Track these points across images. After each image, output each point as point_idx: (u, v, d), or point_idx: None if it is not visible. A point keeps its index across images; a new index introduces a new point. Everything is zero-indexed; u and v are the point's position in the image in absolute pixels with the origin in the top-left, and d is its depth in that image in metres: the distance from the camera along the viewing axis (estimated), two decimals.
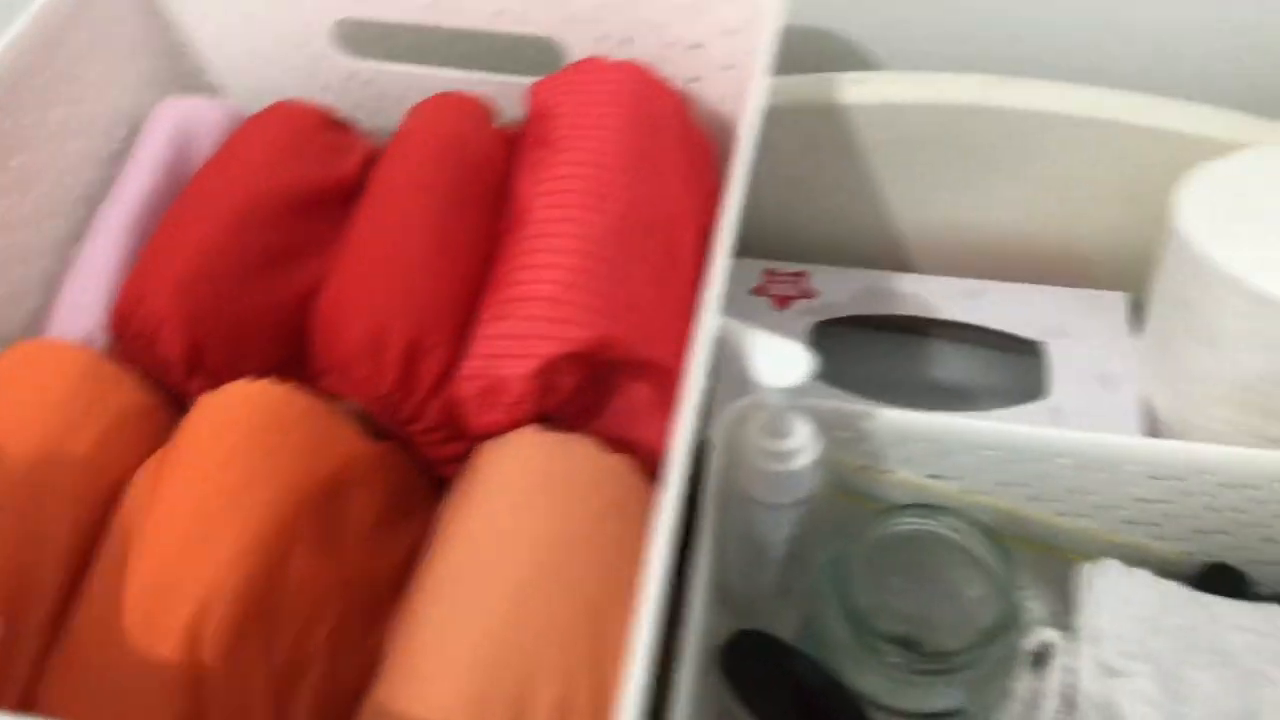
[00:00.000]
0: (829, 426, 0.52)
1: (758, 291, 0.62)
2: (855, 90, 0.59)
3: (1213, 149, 0.54)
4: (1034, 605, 0.50)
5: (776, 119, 0.60)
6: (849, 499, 0.54)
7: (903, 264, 0.65)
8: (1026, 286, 0.62)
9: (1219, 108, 0.57)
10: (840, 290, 0.62)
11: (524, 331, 0.45)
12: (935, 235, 0.64)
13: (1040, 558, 0.54)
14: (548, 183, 0.50)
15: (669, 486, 0.38)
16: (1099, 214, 0.60)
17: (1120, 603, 0.46)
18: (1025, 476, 0.51)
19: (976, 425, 0.51)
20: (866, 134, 0.60)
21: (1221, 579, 0.53)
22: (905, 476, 0.53)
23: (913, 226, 0.64)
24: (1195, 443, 0.49)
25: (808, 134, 0.60)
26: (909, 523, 0.48)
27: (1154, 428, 0.56)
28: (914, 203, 0.63)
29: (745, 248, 0.64)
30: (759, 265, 0.64)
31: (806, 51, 0.64)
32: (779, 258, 0.64)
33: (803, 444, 0.45)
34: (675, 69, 0.56)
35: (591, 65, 0.54)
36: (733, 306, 0.62)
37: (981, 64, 0.61)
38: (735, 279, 0.63)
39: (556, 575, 0.39)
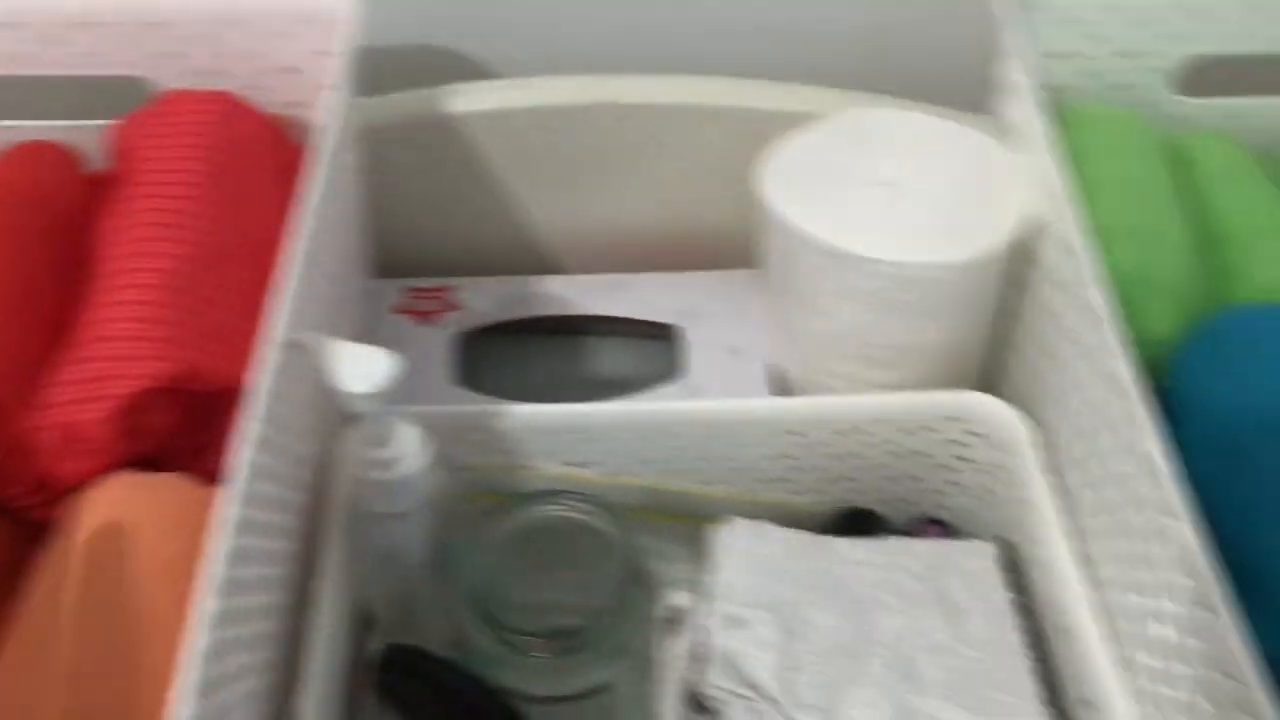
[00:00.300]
0: (461, 430, 0.52)
1: (399, 310, 0.62)
2: (465, 100, 0.60)
3: (806, 122, 0.58)
4: (679, 574, 0.51)
5: (391, 136, 0.61)
6: (496, 499, 0.54)
7: (549, 266, 0.66)
8: (665, 275, 0.64)
9: (812, 85, 0.61)
10: (484, 300, 0.62)
11: (100, 373, 0.43)
12: (575, 235, 0.65)
13: (689, 528, 0.55)
14: (126, 219, 0.48)
15: (227, 504, 0.37)
16: (720, 196, 0.63)
17: (745, 557, 0.48)
18: (661, 452, 0.53)
19: (604, 409, 0.52)
20: (485, 143, 0.61)
21: (858, 522, 0.56)
22: (547, 469, 0.53)
23: (551, 229, 0.65)
24: (805, 397, 0.51)
25: (425, 149, 0.61)
26: (532, 511, 0.48)
27: (786, 391, 0.59)
28: (548, 205, 0.64)
29: (386, 268, 0.64)
30: (400, 284, 0.63)
31: (420, 67, 0.64)
32: (423, 274, 0.64)
33: (406, 450, 0.44)
34: (273, 94, 0.56)
35: (175, 98, 0.53)
36: (374, 327, 0.62)
37: (590, 64, 0.62)
38: (375, 299, 0.62)
39: (121, 649, 0.37)
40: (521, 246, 0.65)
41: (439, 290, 0.63)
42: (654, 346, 0.62)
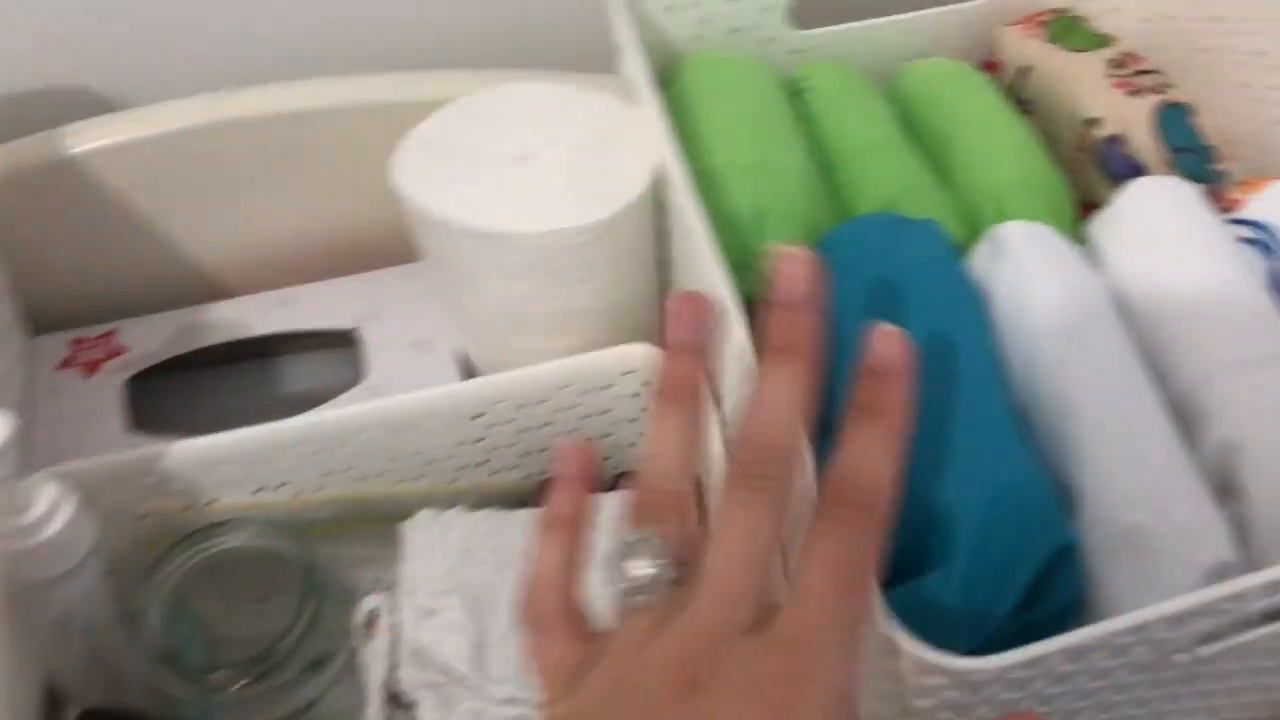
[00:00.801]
0: (130, 476, 0.50)
1: (64, 365, 0.59)
2: (85, 138, 0.57)
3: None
4: (387, 578, 0.51)
5: (17, 187, 0.57)
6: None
7: (217, 293, 0.64)
8: (340, 280, 0.63)
9: (451, 69, 0.61)
10: (152, 338, 0.60)
11: None
12: (236, 256, 0.63)
13: (395, 531, 0.55)
14: None
15: None
16: (375, 194, 0.62)
17: (430, 547, 0.48)
18: (347, 460, 0.52)
19: (273, 429, 0.51)
20: (117, 178, 0.58)
21: None
22: (232, 501, 0.52)
23: (209, 254, 0.63)
24: (475, 379, 0.52)
25: (56, 194, 0.58)
26: (201, 548, 0.47)
27: (475, 375, 0.59)
28: (201, 230, 0.62)
29: (50, 322, 0.61)
30: (65, 336, 0.60)
31: (35, 111, 0.61)
32: (89, 321, 0.61)
33: (48, 510, 0.42)
34: None
35: None
36: (39, 390, 0.58)
37: (214, 81, 0.61)
38: (37, 359, 0.59)
39: None
40: (183, 277, 0.63)
41: (104, 337, 0.60)
42: (337, 355, 0.62)
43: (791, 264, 0.36)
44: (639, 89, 0.53)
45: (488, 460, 0.55)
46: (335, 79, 0.59)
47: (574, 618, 0.34)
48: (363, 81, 0.59)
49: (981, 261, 0.48)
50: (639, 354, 0.53)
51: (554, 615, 0.34)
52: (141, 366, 0.59)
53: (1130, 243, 0.47)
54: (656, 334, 0.58)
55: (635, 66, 0.53)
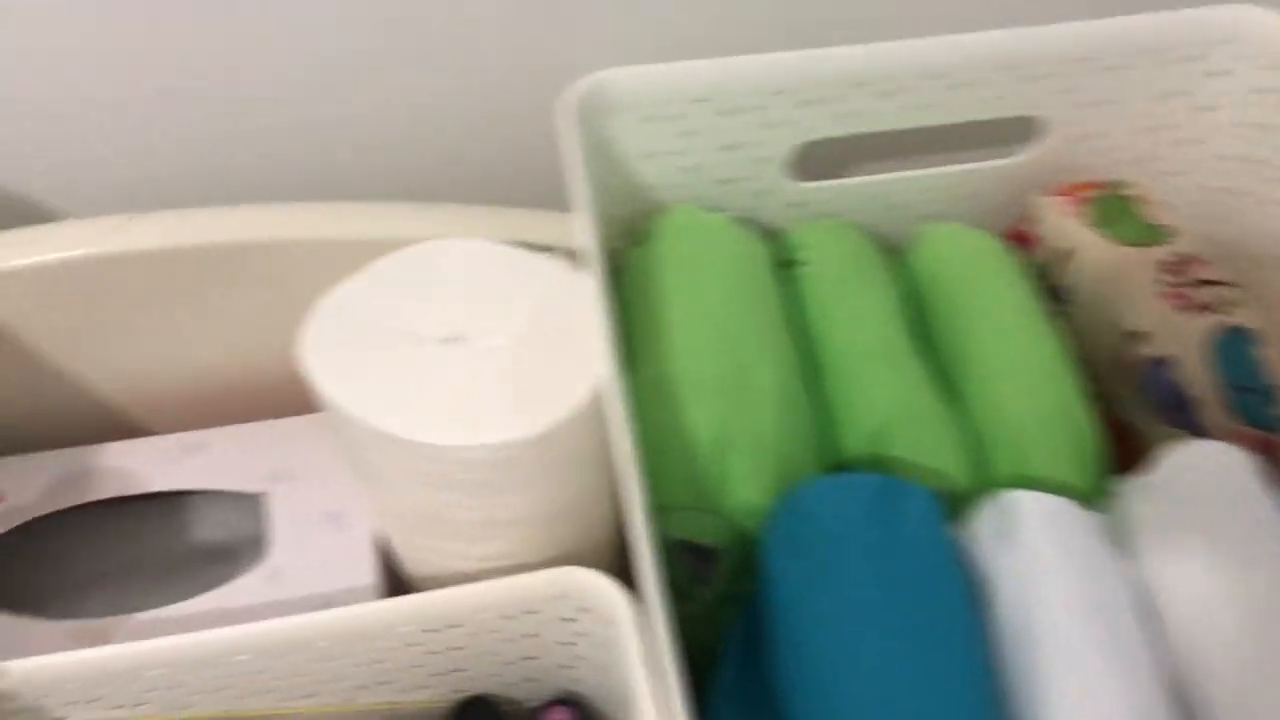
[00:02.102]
0: None
1: None
2: None
3: (385, 245, 0.50)
4: None
5: None
6: None
7: (117, 430, 0.56)
8: (252, 427, 0.55)
9: (390, 202, 0.53)
10: (31, 485, 0.52)
11: None
12: (141, 394, 0.56)
13: None
14: None
15: None
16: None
17: None
18: (220, 680, 0.44)
19: (132, 649, 0.43)
20: (7, 303, 0.51)
21: (475, 713, 0.49)
22: (95, 716, 0.44)
23: (110, 391, 0.55)
24: (374, 603, 0.44)
25: None
26: None
27: (395, 561, 0.51)
28: (99, 365, 0.54)
29: None
30: None
31: None
32: None
33: None
34: None
35: None
36: None
37: (127, 199, 0.53)
38: None
39: None
40: (74, 414, 0.55)
41: None
42: (233, 519, 0.54)
43: None
44: (589, 276, 0.45)
45: (393, 679, 0.47)
46: (259, 208, 0.51)
47: None
48: (288, 213, 0.51)
49: (986, 535, 0.39)
50: (573, 580, 0.45)
51: None
52: (14, 523, 0.51)
53: (1167, 533, 0.38)
54: (602, 535, 0.51)
55: (587, 247, 0.44)
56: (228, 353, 0.54)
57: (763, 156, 0.51)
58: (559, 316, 0.45)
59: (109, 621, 0.48)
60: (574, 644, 0.47)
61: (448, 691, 0.48)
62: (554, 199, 0.52)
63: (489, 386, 0.43)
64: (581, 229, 0.44)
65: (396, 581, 0.52)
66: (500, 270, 0.47)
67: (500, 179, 0.55)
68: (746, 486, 0.41)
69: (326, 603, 0.49)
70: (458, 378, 0.43)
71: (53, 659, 0.42)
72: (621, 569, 0.52)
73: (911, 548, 0.37)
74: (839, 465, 0.44)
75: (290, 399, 0.55)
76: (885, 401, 0.44)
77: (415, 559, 0.49)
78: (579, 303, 0.46)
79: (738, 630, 0.42)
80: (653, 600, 0.35)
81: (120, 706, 0.44)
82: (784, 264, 0.50)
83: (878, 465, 0.43)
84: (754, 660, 0.41)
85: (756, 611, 0.42)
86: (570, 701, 0.49)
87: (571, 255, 0.48)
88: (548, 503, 0.46)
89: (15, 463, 0.53)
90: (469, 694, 0.49)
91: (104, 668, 0.43)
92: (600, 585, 0.44)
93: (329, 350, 0.44)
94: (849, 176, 0.53)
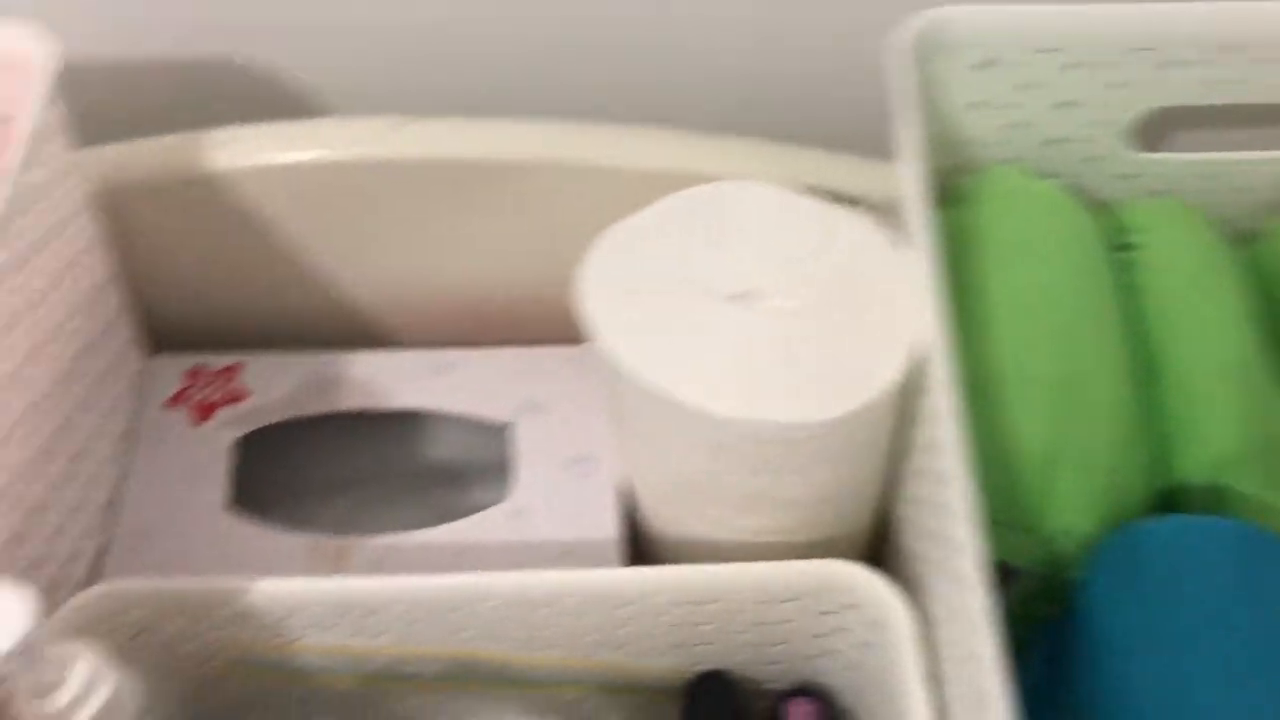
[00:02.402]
0: (209, 608, 0.41)
1: (175, 401, 0.51)
2: (235, 149, 0.47)
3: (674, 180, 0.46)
4: None
5: (146, 191, 0.48)
6: (268, 675, 0.44)
7: (364, 338, 0.54)
8: (508, 353, 0.52)
9: (685, 132, 0.48)
10: (277, 385, 0.51)
11: None
12: (394, 304, 0.53)
13: (510, 696, 0.46)
14: None
15: None
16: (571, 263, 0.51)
17: None
18: (461, 622, 0.42)
19: (379, 584, 0.41)
20: (269, 199, 0.49)
21: (709, 688, 0.46)
22: (325, 642, 0.43)
23: (364, 298, 0.53)
24: (634, 569, 0.41)
25: (191, 206, 0.48)
26: None
27: (637, 516, 0.48)
28: (358, 270, 0.52)
29: (163, 341, 0.53)
30: (183, 363, 0.52)
31: (190, 99, 0.51)
32: (209, 348, 0.52)
33: (83, 688, 0.34)
34: None
35: None
36: (143, 428, 0.51)
37: (402, 100, 0.50)
38: (151, 386, 0.51)
39: None
40: (324, 317, 0.53)
41: (225, 372, 0.51)
42: (479, 444, 0.51)
43: None
44: (913, 232, 0.39)
45: (628, 645, 0.44)
46: (538, 124, 0.47)
47: None
48: (568, 133, 0.47)
49: None
50: (844, 575, 0.41)
51: None
52: (258, 424, 0.50)
53: None
54: (862, 522, 0.47)
55: (913, 199, 0.39)
56: (487, 273, 0.51)
57: (1103, 119, 0.44)
58: (864, 281, 0.41)
59: (347, 541, 0.47)
60: (827, 636, 0.44)
61: (685, 662, 0.45)
62: (856, 143, 0.47)
63: (780, 357, 0.39)
64: (908, 183, 0.39)
65: (635, 534, 0.49)
66: (799, 222, 0.42)
67: (802, 117, 0.49)
68: (1072, 508, 0.36)
69: (567, 551, 0.47)
70: (745, 342, 0.39)
71: (300, 584, 0.41)
72: (869, 558, 0.48)
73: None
74: (1170, 492, 0.38)
75: (544, 327, 0.53)
76: (1235, 428, 0.38)
77: (665, 518, 0.46)
78: (887, 267, 0.41)
79: (1035, 661, 0.38)
80: (983, 624, 0.31)
81: (357, 635, 0.43)
82: (1117, 247, 0.44)
83: (1219, 498, 0.37)
84: (1048, 698, 0.37)
85: (1055, 645, 0.37)
86: (812, 692, 0.46)
87: (880, 210, 0.43)
88: (825, 485, 0.42)
89: (262, 361, 0.52)
90: (707, 668, 0.46)
91: (349, 599, 0.41)
92: (875, 586, 0.40)
93: (608, 293, 0.41)
94: (1188, 150, 0.46)
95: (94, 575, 0.46)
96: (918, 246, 0.38)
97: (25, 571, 0.40)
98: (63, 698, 0.34)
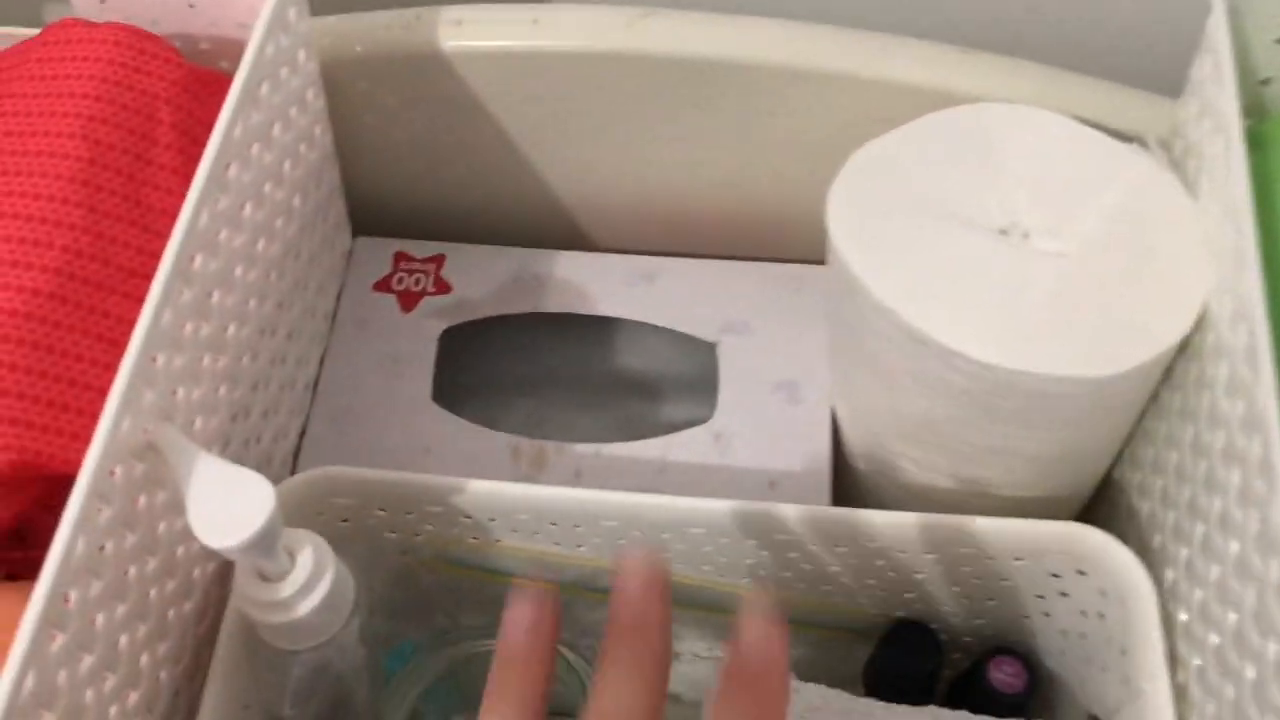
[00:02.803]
0: (415, 502, 0.41)
1: (382, 287, 0.50)
2: (460, 32, 0.45)
3: (926, 100, 0.42)
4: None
5: (366, 69, 0.47)
6: (465, 572, 0.44)
7: (569, 239, 0.52)
8: (709, 264, 0.50)
9: (944, 45, 0.44)
10: (481, 280, 0.50)
11: None
12: (603, 205, 0.51)
13: (707, 617, 0.45)
14: None
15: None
16: (797, 176, 0.48)
17: None
18: (666, 543, 0.41)
19: (589, 497, 0.40)
20: (489, 85, 0.47)
21: (907, 636, 0.44)
22: (525, 546, 0.42)
23: (573, 196, 0.51)
24: (851, 511, 0.39)
25: (408, 85, 0.47)
26: (467, 647, 0.38)
27: (847, 450, 0.46)
28: (570, 167, 0.50)
29: (368, 226, 0.52)
30: (389, 247, 0.51)
31: None
32: (413, 235, 0.51)
33: (308, 579, 0.33)
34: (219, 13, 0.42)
35: (61, 33, 0.40)
36: (353, 306, 0.50)
37: None
38: (359, 266, 0.50)
39: None
40: (531, 213, 0.51)
41: (430, 261, 0.50)
42: (685, 358, 0.50)
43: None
44: (1216, 174, 0.36)
45: (832, 585, 0.42)
46: (796, 26, 0.44)
47: None
48: (827, 38, 0.44)
49: None
50: (1077, 537, 0.38)
51: None
52: (464, 319, 0.49)
53: None
54: (1090, 482, 0.44)
55: (1224, 142, 0.35)
56: (705, 182, 0.49)
57: None
58: (1146, 226, 0.37)
59: (548, 445, 0.46)
60: (1045, 598, 0.41)
61: (888, 608, 0.43)
62: (1132, 76, 0.43)
63: (1046, 299, 0.36)
64: (1223, 116, 0.35)
65: (840, 468, 0.47)
66: (1076, 155, 0.39)
67: (1076, 41, 0.45)
68: None
69: (772, 481, 0.45)
70: (1011, 279, 0.36)
71: (509, 488, 0.40)
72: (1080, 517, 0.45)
73: None
74: None
75: (753, 241, 0.50)
76: None
77: (879, 457, 0.44)
78: (1173, 213, 0.37)
79: None
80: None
81: (558, 544, 0.42)
82: None
83: None
84: None
85: None
86: (1015, 652, 0.44)
87: (1165, 150, 0.39)
88: (1070, 444, 0.39)
89: (465, 253, 0.51)
90: (909, 615, 0.44)
91: (557, 508, 0.40)
92: (1117, 555, 0.37)
93: (858, 216, 0.38)
94: None
95: (298, 451, 0.46)
96: (1230, 188, 0.34)
97: (244, 445, 0.40)
98: (285, 590, 0.33)
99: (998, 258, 0.36)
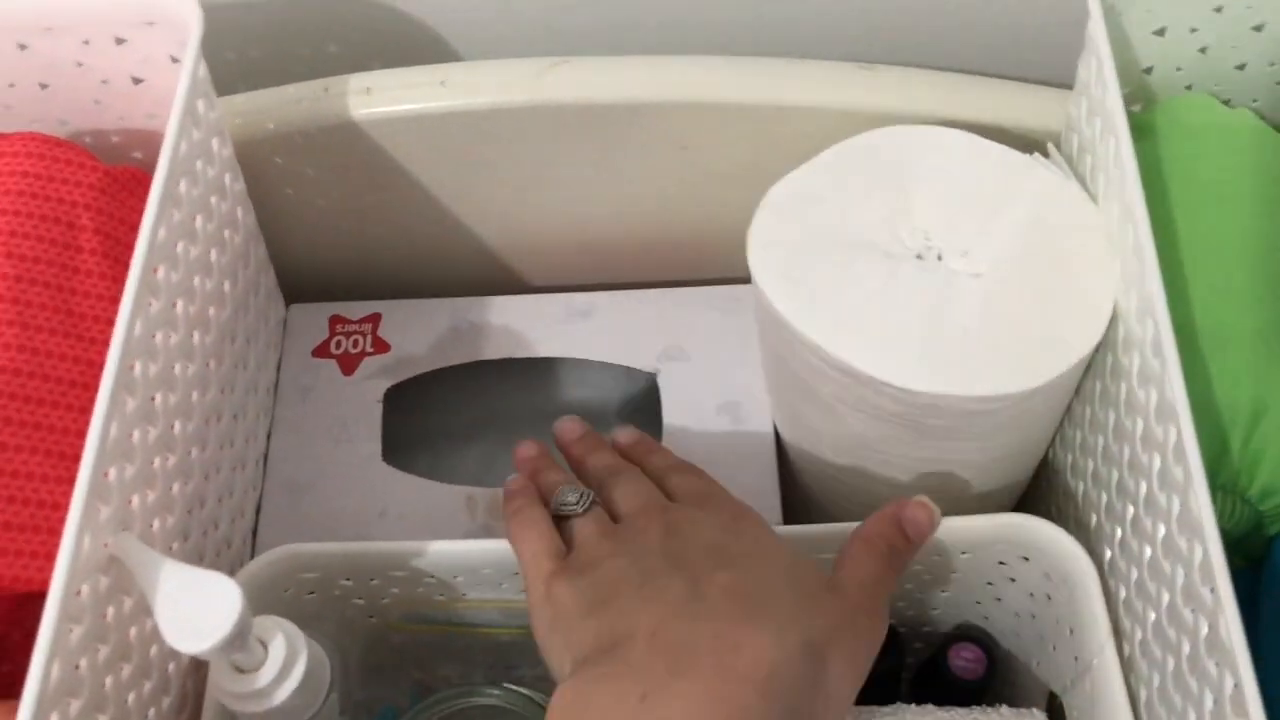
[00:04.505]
0: (379, 569, 0.42)
1: (321, 352, 0.50)
2: (378, 100, 0.46)
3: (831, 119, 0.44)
4: None
5: (281, 144, 0.47)
6: (435, 629, 0.45)
7: (503, 282, 0.53)
8: (642, 294, 0.51)
9: (838, 62, 0.46)
10: (419, 335, 0.50)
11: None
12: (532, 245, 0.52)
13: None
14: None
15: None
16: (728, 198, 0.49)
17: None
18: None
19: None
20: (407, 146, 0.47)
21: None
22: (490, 597, 0.43)
23: (500, 242, 0.52)
24: (805, 526, 0.40)
25: (329, 155, 0.47)
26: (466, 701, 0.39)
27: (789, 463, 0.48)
28: (495, 215, 0.51)
29: (300, 293, 0.52)
30: (325, 311, 0.51)
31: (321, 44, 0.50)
32: (345, 297, 0.52)
33: (281, 665, 0.34)
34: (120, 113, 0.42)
35: None
36: (293, 375, 0.50)
37: (535, 40, 0.48)
38: (296, 334, 0.51)
39: None
40: (462, 263, 0.52)
41: (365, 321, 0.51)
42: (634, 381, 0.51)
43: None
44: (1111, 175, 0.37)
45: None
46: (694, 60, 0.45)
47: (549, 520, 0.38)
48: (727, 69, 0.45)
49: None
50: (1016, 526, 0.39)
51: (534, 514, 0.38)
52: (406, 375, 0.50)
53: None
54: (1021, 479, 0.45)
55: (1116, 147, 0.36)
56: (624, 213, 0.50)
57: None
58: (1052, 235, 0.39)
59: (501, 493, 0.47)
60: (994, 584, 0.43)
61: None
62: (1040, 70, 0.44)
63: (962, 321, 0.37)
64: (1111, 116, 0.36)
65: (785, 479, 0.48)
66: (980, 172, 0.40)
67: (977, 41, 0.46)
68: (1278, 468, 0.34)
69: None
70: (927, 304, 0.38)
71: (469, 546, 0.41)
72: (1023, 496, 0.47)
73: None
74: None
75: (683, 266, 0.52)
76: None
77: (820, 474, 0.45)
78: (1077, 218, 0.39)
79: None
80: (1225, 590, 0.29)
81: (522, 591, 0.43)
82: None
83: None
84: None
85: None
86: (973, 636, 0.45)
87: (1059, 155, 0.41)
88: (1002, 449, 0.40)
89: (401, 310, 0.51)
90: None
91: (512, 561, 0.41)
92: (1059, 541, 0.39)
93: (778, 251, 0.39)
94: None
95: (256, 526, 0.46)
96: (1125, 189, 0.35)
97: (203, 534, 0.41)
98: (266, 674, 0.34)
99: (916, 284, 0.38)
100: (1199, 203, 0.38)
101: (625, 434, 0.42)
